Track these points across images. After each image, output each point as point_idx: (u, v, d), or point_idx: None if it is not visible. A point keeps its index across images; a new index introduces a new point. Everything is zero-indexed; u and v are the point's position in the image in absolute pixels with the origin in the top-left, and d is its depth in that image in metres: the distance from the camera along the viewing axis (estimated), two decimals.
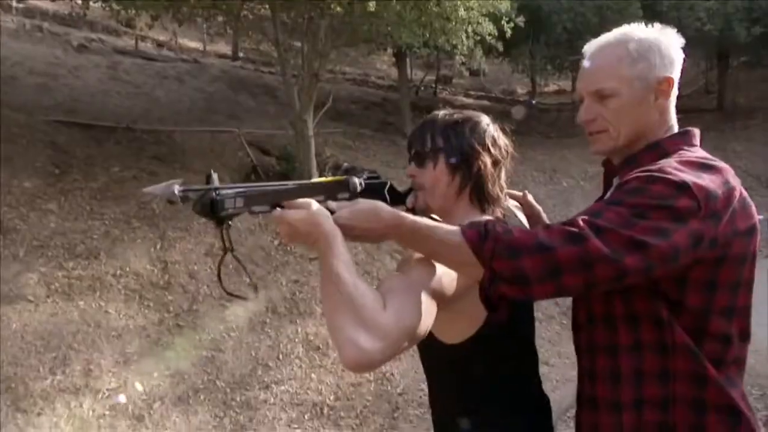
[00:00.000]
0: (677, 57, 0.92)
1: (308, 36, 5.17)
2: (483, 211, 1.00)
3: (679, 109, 0.98)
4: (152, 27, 8.81)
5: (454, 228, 0.83)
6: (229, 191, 0.90)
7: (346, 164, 1.19)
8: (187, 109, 7.87)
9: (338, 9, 3.71)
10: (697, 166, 0.84)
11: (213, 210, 0.86)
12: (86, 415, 2.48)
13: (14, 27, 8.60)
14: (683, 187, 0.78)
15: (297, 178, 6.11)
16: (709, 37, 8.70)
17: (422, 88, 13.21)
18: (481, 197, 1.00)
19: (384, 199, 1.09)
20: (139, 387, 2.71)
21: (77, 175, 4.21)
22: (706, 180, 0.81)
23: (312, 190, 0.98)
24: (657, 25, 0.97)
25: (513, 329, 0.99)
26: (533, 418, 1.04)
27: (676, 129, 0.95)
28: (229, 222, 0.90)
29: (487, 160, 0.99)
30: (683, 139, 0.93)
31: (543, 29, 8.91)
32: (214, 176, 0.90)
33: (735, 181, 0.86)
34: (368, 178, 1.10)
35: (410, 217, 0.87)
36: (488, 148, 1.00)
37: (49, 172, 4.13)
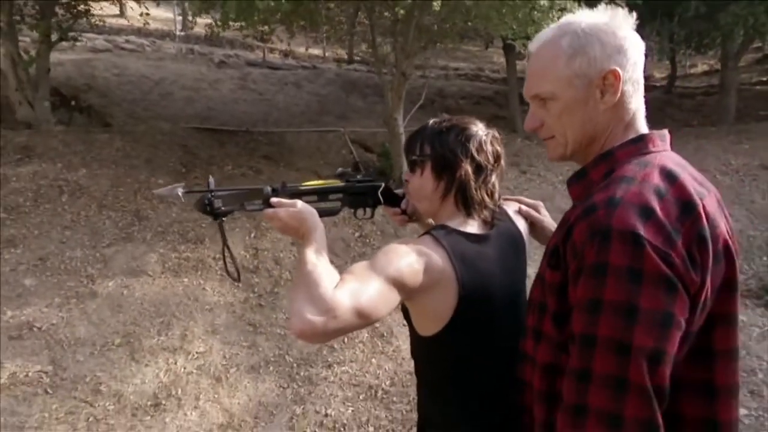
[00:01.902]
0: (626, 43, 0.80)
1: (397, 37, 5.31)
2: (468, 215, 1.03)
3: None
4: (283, 41, 9.82)
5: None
6: (221, 193, 1.05)
7: (340, 169, 1.26)
8: (301, 112, 8.61)
9: (435, 6, 3.67)
10: (651, 190, 0.72)
11: (208, 209, 1.03)
12: (179, 371, 2.99)
13: (174, 52, 10.33)
14: (637, 242, 0.68)
15: (393, 173, 6.37)
16: None
17: None
18: (465, 202, 1.02)
19: (377, 201, 1.22)
20: (220, 353, 3.16)
21: (198, 173, 4.97)
22: (659, 215, 0.70)
23: (303, 191, 1.09)
24: (602, 6, 0.84)
25: (477, 335, 0.99)
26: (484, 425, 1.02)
27: (641, 127, 0.84)
28: (223, 218, 1.06)
29: (469, 167, 1.02)
30: (637, 146, 0.80)
31: (676, 4, 7.72)
32: (211, 180, 1.07)
33: (699, 194, 0.74)
34: (360, 181, 1.19)
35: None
36: (472, 154, 1.02)
37: (178, 170, 4.95)
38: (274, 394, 2.99)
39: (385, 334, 3.61)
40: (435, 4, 3.65)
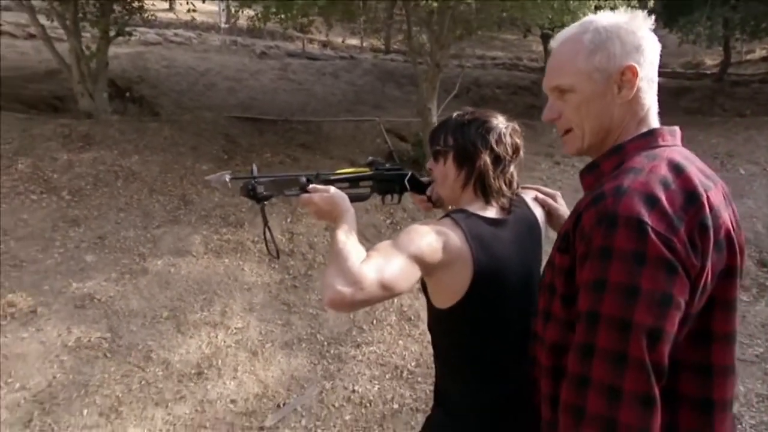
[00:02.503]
0: (644, 42, 0.85)
1: (432, 27, 5.30)
2: (487, 202, 1.11)
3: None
4: (322, 31, 9.98)
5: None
6: (264, 179, 1.15)
7: (370, 158, 1.35)
8: (337, 101, 8.75)
9: (433, 3, 3.74)
10: (657, 180, 0.76)
11: (252, 194, 1.13)
12: (220, 344, 3.20)
13: (218, 44, 10.68)
14: (641, 227, 0.72)
15: (425, 162, 6.40)
16: None
17: None
18: (484, 190, 1.10)
19: (403, 188, 1.31)
20: (257, 330, 3.36)
21: (239, 160, 5.19)
22: (664, 204, 0.74)
23: (336, 179, 1.19)
24: (623, 8, 0.91)
25: (488, 310, 1.06)
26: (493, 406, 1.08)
27: (653, 123, 0.88)
28: (265, 202, 1.16)
29: (488, 158, 1.09)
30: (647, 139, 0.85)
31: None
32: (254, 168, 1.19)
33: (704, 186, 0.78)
34: (389, 170, 1.29)
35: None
36: (491, 146, 1.09)
37: (220, 158, 5.19)
38: (305, 369, 3.16)
39: (412, 318, 3.71)
40: None
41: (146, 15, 6.55)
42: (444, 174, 1.13)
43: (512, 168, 1.12)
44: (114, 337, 3.03)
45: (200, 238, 3.96)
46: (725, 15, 7.77)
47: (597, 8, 4.12)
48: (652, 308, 0.71)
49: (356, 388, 3.05)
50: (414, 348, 3.45)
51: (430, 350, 3.70)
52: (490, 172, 1.09)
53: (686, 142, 0.90)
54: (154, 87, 7.85)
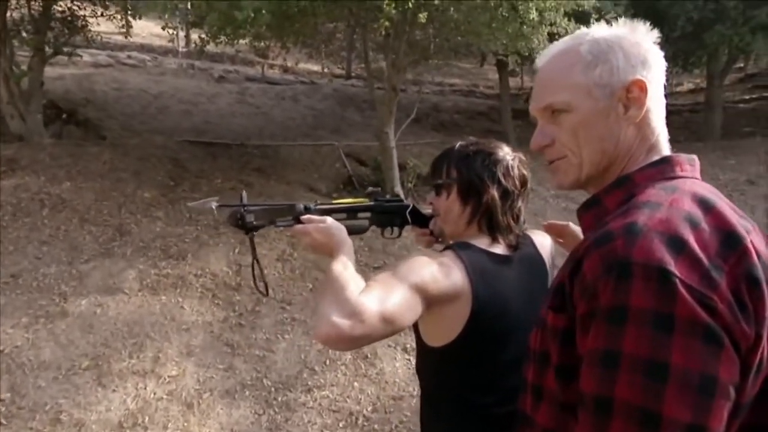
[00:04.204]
0: (650, 57, 0.68)
1: (389, 53, 5.13)
2: (493, 239, 1.01)
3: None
4: (281, 56, 9.70)
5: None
6: (254, 208, 1.04)
7: (370, 188, 1.25)
8: (296, 126, 8.42)
9: (386, 24, 3.55)
10: (681, 217, 0.56)
11: (240, 223, 1.01)
12: (149, 396, 2.71)
13: (175, 67, 10.18)
14: (666, 279, 0.52)
15: (384, 187, 6.15)
16: None
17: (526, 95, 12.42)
18: (491, 226, 1.01)
19: (404, 221, 1.20)
20: (194, 377, 2.89)
21: (186, 186, 4.74)
22: (694, 247, 0.54)
23: (333, 209, 1.09)
24: (622, 20, 0.71)
25: (484, 353, 0.97)
26: None
27: (665, 150, 0.69)
28: (254, 232, 1.05)
29: (495, 193, 1.00)
30: (660, 168, 0.66)
31: (663, 23, 7.59)
32: (244, 195, 1.07)
33: (743, 227, 0.58)
34: (389, 201, 1.19)
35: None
36: (498, 179, 1.00)
37: (165, 184, 4.71)
38: (248, 421, 2.72)
39: (368, 356, 3.34)
40: (421, 16, 3.46)
41: (90, 35, 6.03)
42: (448, 208, 1.05)
43: (520, 202, 1.04)
44: (15, 396, 2.50)
45: (135, 273, 3.47)
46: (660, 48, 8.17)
47: (551, 35, 4.06)
48: (689, 396, 0.51)
49: None
50: (371, 390, 3.07)
51: (388, 392, 3.28)
52: (498, 208, 1.01)
53: None
54: (102, 110, 7.26)
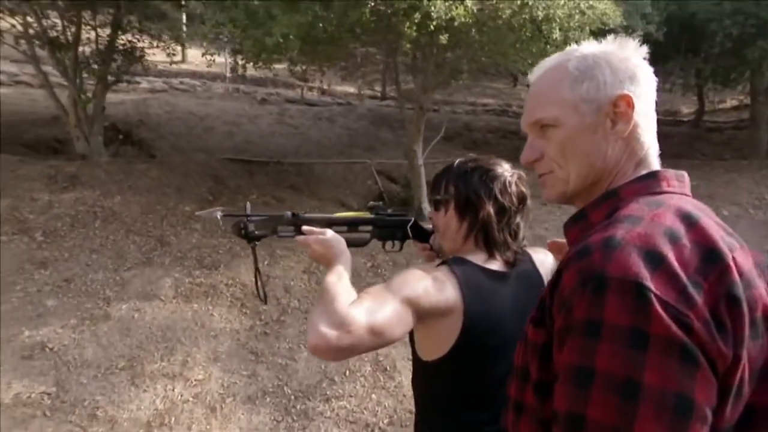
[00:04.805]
0: (639, 72, 0.68)
1: (416, 74, 5.23)
2: (490, 255, 1.01)
3: None
4: (319, 80, 10.09)
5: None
6: (257, 218, 1.06)
7: (372, 202, 1.26)
8: (332, 144, 8.65)
9: (408, 46, 3.63)
10: (661, 232, 0.55)
11: (243, 232, 1.05)
12: (176, 398, 2.84)
13: (222, 91, 10.78)
14: (642, 294, 0.50)
15: (412, 203, 6.18)
16: None
17: None
18: (487, 242, 1.01)
19: (406, 235, 1.21)
20: (219, 382, 3.00)
21: (224, 200, 4.97)
22: (672, 263, 0.52)
23: (333, 221, 1.12)
24: (611, 37, 0.72)
25: (475, 368, 0.97)
26: None
27: (654, 165, 0.68)
28: (257, 242, 1.08)
29: (491, 209, 1.00)
30: (646, 183, 0.65)
31: (701, 40, 7.27)
32: (248, 205, 1.10)
33: (727, 244, 0.56)
34: (391, 215, 1.20)
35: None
36: (495, 196, 1.00)
37: (205, 198, 4.97)
38: (267, 427, 2.78)
39: (388, 368, 3.34)
40: (442, 38, 3.52)
41: (147, 64, 6.54)
42: (445, 224, 1.05)
43: (518, 219, 1.03)
44: (59, 391, 2.68)
45: (171, 281, 3.67)
46: (698, 66, 7.79)
47: None
48: (663, 416, 0.48)
49: None
50: (388, 402, 3.06)
51: (405, 405, 3.27)
52: (494, 224, 1.00)
53: None
54: (154, 131, 7.78)
